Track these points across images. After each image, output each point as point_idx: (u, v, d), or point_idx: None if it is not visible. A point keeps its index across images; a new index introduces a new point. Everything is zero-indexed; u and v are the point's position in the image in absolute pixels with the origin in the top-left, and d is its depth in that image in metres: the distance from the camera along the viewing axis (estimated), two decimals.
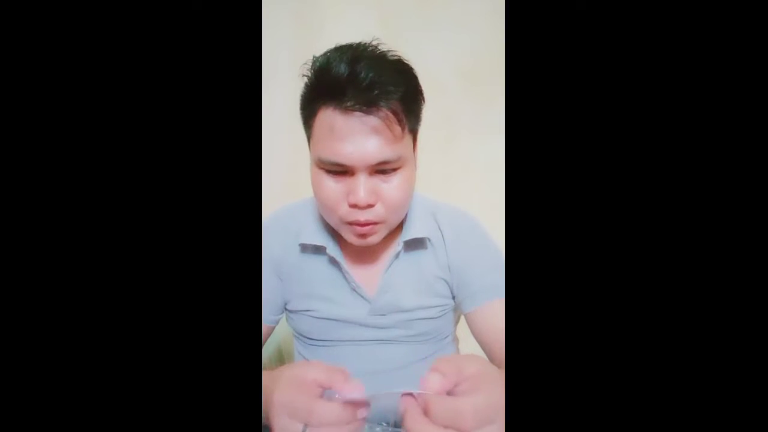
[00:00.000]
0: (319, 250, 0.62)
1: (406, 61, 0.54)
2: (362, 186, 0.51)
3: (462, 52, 1.15)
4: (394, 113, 0.50)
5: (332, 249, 0.60)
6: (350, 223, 0.54)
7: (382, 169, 0.52)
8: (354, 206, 0.53)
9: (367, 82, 0.48)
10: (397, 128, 0.51)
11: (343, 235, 0.57)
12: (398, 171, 0.53)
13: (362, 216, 0.53)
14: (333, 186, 0.53)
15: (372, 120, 0.49)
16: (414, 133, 0.56)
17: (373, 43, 0.53)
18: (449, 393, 0.27)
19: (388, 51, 0.53)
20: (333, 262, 0.61)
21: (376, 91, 0.48)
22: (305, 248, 0.63)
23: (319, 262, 0.62)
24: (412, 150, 0.56)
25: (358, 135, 0.49)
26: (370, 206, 0.53)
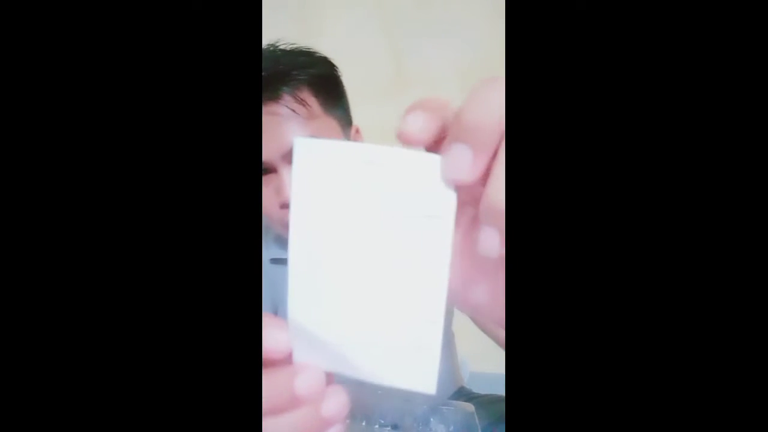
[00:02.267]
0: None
1: (310, 51, 0.53)
2: (287, 180, 0.49)
3: (462, 52, 1.15)
4: (295, 96, 0.49)
5: None
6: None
7: None
8: (284, 206, 0.50)
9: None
10: (302, 109, 0.49)
11: None
12: None
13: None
14: (262, 190, 0.50)
15: (272, 109, 0.49)
16: (340, 119, 0.54)
17: (274, 43, 0.53)
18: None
19: (290, 45, 0.53)
20: None
21: (265, 73, 0.48)
22: (276, 261, 0.60)
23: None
24: (341, 135, 0.54)
25: (264, 126, 0.48)
26: None
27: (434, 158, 0.17)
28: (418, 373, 0.19)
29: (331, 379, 0.20)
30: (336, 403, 0.19)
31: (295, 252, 0.19)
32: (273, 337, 0.19)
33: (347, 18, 1.20)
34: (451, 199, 0.17)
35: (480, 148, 0.17)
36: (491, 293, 0.21)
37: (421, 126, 0.17)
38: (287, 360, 0.20)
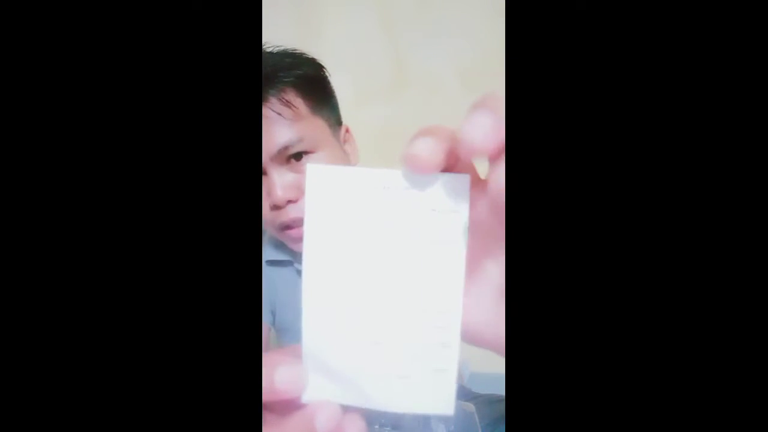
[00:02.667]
0: (285, 264, 0.60)
1: (296, 52, 0.53)
2: (276, 182, 0.49)
3: (462, 52, 1.15)
4: (280, 98, 0.50)
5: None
6: (282, 229, 0.51)
7: (291, 154, 0.50)
8: (275, 207, 0.50)
9: None
10: (288, 111, 0.50)
11: (288, 245, 0.54)
12: (312, 156, 0.50)
13: (286, 216, 0.50)
14: None
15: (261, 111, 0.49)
16: (328, 119, 0.54)
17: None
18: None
19: (275, 47, 0.53)
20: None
21: None
22: (272, 263, 0.60)
23: (287, 274, 0.60)
24: (329, 135, 0.54)
25: None
26: (292, 202, 0.50)
27: (448, 179, 0.17)
28: (435, 397, 0.18)
29: (344, 408, 0.20)
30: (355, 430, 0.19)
31: (309, 279, 0.19)
32: (287, 374, 0.19)
33: (347, 18, 1.20)
34: (462, 221, 0.17)
35: (502, 119, 0.16)
36: (499, 324, 0.21)
37: (430, 150, 0.17)
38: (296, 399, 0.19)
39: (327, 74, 0.56)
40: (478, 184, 0.18)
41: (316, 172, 0.18)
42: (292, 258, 0.58)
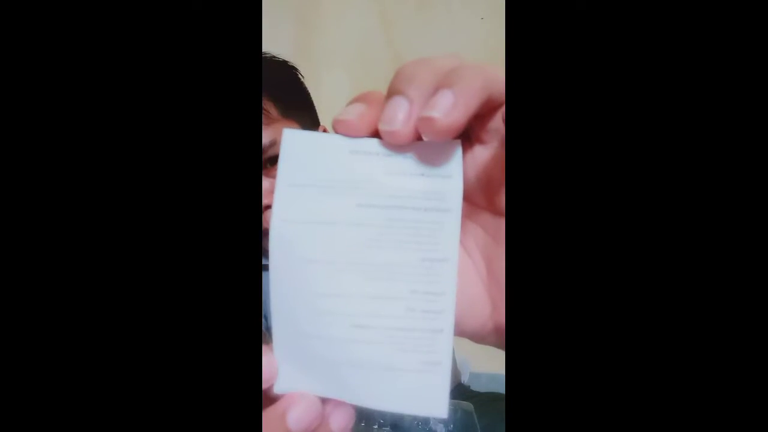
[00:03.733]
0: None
1: (266, 55, 0.54)
2: None
3: (462, 52, 1.15)
4: None
5: None
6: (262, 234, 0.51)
7: (266, 159, 0.50)
8: None
9: None
10: None
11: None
12: None
13: (266, 222, 0.49)
14: None
15: None
16: (302, 121, 0.55)
17: None
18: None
19: None
20: None
21: None
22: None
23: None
24: None
25: None
26: (270, 208, 0.49)
27: (437, 145, 0.16)
28: (426, 395, 0.16)
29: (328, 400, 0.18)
30: (342, 415, 0.17)
31: (277, 255, 0.17)
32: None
33: (347, 17, 1.19)
34: (456, 187, 0.16)
35: (416, 99, 0.16)
36: (493, 316, 0.20)
37: (358, 114, 0.16)
38: (270, 390, 0.18)
39: (300, 76, 0.56)
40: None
41: (292, 136, 0.17)
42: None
